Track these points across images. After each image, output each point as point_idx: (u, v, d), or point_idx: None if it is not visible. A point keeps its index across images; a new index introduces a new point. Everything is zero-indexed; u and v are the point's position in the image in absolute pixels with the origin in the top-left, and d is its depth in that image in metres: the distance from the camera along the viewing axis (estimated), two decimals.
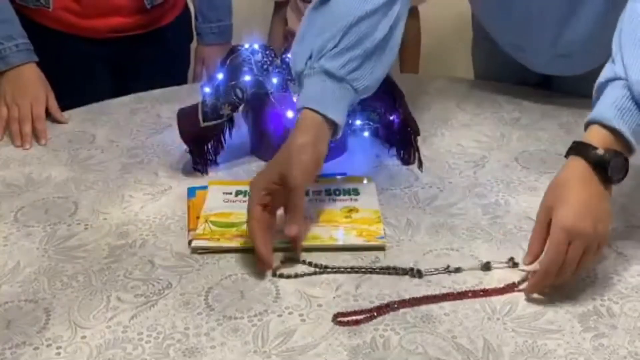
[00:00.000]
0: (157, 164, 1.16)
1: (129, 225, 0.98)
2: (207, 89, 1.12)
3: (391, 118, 1.16)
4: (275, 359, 0.75)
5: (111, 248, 0.93)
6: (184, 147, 1.13)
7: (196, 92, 1.22)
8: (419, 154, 1.15)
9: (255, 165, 1.15)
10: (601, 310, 0.81)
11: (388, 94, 1.15)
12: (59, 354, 0.75)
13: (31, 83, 1.28)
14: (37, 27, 1.42)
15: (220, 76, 1.12)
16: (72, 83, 1.43)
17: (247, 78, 1.10)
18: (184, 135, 1.11)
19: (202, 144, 1.11)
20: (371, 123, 1.20)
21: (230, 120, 1.13)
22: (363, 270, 0.89)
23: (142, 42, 1.56)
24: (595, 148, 0.82)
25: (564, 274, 0.81)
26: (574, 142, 0.85)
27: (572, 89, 1.36)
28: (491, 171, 1.13)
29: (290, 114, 1.09)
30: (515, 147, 1.21)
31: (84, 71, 1.53)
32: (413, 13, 1.88)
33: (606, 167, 0.81)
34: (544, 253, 0.82)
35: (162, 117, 1.33)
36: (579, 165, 0.83)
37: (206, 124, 1.08)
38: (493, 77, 1.48)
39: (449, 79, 1.54)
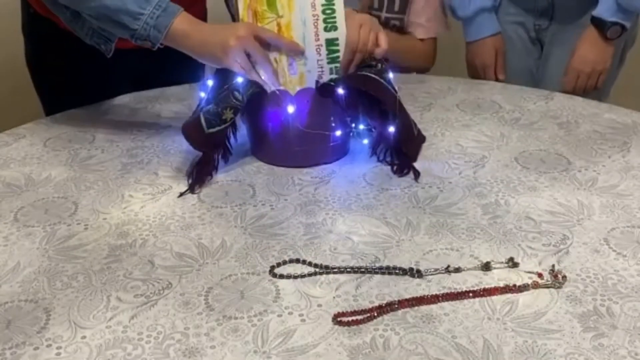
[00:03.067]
0: (157, 164, 1.16)
1: (129, 225, 0.98)
2: (202, 94, 1.12)
3: (385, 134, 1.14)
4: (275, 359, 0.75)
5: (111, 248, 0.93)
6: (184, 147, 1.12)
7: (195, 92, 1.22)
8: (415, 171, 1.12)
9: (256, 166, 1.15)
10: (601, 310, 0.81)
11: (380, 111, 1.13)
12: (59, 354, 0.75)
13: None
14: (63, 33, 1.34)
15: (210, 82, 1.12)
16: (92, 93, 1.41)
17: (240, 80, 1.08)
18: (195, 142, 1.09)
19: (211, 151, 1.10)
20: (373, 129, 1.19)
21: (233, 124, 1.12)
22: (363, 270, 0.89)
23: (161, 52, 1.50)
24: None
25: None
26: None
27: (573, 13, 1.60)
28: (491, 171, 1.13)
29: (290, 109, 1.09)
30: (515, 147, 1.22)
31: (106, 82, 1.46)
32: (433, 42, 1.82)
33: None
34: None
35: (162, 117, 1.33)
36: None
37: (210, 130, 1.07)
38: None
39: (449, 79, 1.54)
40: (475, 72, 1.75)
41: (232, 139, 1.13)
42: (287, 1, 1.12)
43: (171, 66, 1.53)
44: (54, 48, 1.40)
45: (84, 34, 1.26)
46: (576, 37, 1.59)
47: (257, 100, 1.11)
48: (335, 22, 1.13)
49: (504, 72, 1.72)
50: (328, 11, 1.12)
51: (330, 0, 1.12)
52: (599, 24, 1.54)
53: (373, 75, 1.12)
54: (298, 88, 1.12)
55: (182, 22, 1.11)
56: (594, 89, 1.60)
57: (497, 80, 1.67)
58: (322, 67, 1.15)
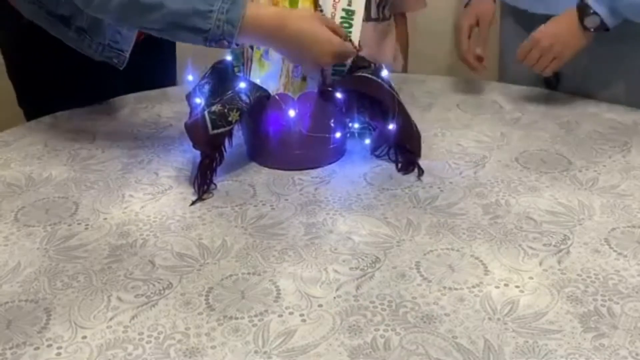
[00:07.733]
0: (158, 164, 1.16)
1: (130, 225, 0.99)
2: (198, 100, 1.10)
3: (387, 133, 1.14)
4: (275, 359, 0.75)
5: (112, 248, 0.93)
6: (185, 147, 1.12)
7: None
8: (419, 167, 1.13)
9: (256, 166, 1.15)
10: (602, 310, 0.81)
11: (381, 111, 1.13)
12: (59, 354, 0.75)
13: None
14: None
15: (206, 86, 1.10)
16: (89, 92, 1.39)
17: (243, 85, 1.08)
18: (198, 142, 1.07)
19: (212, 152, 1.08)
20: (371, 129, 1.19)
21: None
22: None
23: (148, 48, 1.41)
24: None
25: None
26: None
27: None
28: (491, 171, 1.13)
29: (292, 112, 1.09)
30: (515, 147, 1.22)
31: (102, 82, 1.42)
32: (402, 20, 1.82)
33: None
34: None
35: (162, 117, 1.33)
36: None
37: (215, 131, 1.05)
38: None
39: (449, 79, 1.54)
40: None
41: (226, 144, 1.10)
42: (309, 6, 1.11)
43: (162, 68, 1.53)
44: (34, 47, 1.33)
45: (93, 51, 1.23)
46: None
47: (258, 103, 1.10)
48: (349, 36, 1.12)
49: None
50: (345, 25, 1.12)
51: (350, 15, 1.11)
52: (581, 8, 1.43)
53: (370, 76, 1.12)
54: (298, 92, 1.12)
55: (257, 17, 1.03)
56: (543, 71, 1.41)
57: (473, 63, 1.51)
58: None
